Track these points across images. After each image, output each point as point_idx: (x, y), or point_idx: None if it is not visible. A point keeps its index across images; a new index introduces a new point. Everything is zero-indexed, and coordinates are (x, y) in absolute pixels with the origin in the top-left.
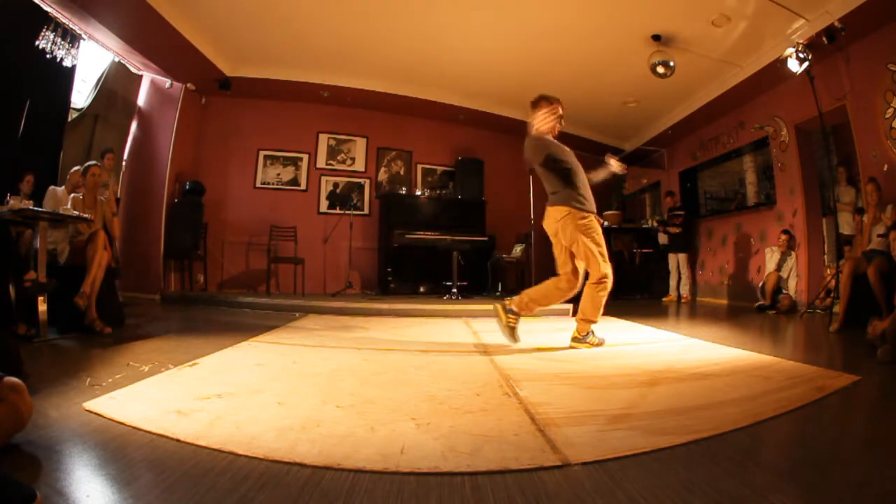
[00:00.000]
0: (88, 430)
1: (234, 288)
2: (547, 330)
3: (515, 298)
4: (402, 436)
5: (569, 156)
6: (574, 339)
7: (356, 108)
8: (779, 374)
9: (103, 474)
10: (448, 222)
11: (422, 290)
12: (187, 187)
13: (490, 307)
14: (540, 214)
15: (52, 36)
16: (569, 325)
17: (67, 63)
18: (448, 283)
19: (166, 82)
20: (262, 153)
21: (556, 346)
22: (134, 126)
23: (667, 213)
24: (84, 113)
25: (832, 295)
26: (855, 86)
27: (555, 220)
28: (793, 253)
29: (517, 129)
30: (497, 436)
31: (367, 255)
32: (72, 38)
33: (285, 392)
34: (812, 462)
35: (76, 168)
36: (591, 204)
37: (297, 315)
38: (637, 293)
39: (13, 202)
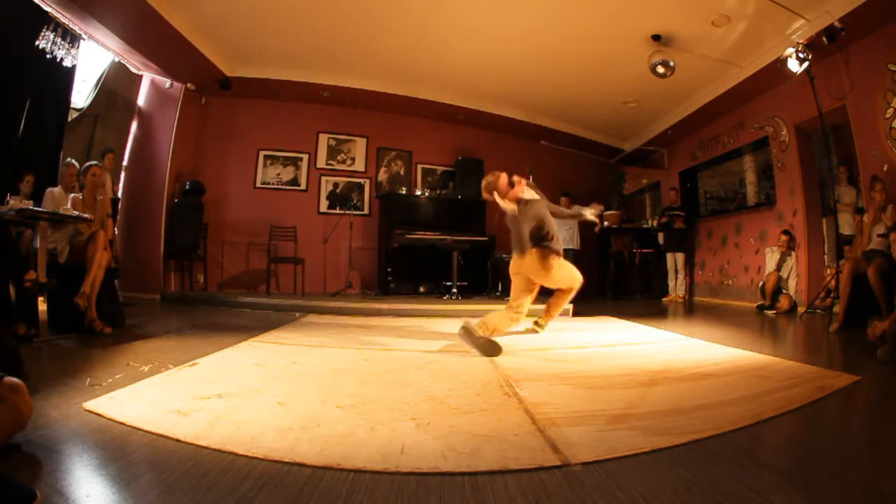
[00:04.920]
0: (88, 430)
1: (234, 288)
2: (547, 330)
3: (479, 322)
4: (402, 436)
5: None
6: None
7: (356, 108)
8: (779, 374)
9: (103, 474)
10: (448, 222)
11: (422, 290)
12: (187, 187)
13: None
14: None
15: (52, 36)
16: (569, 326)
17: (67, 63)
18: (448, 283)
19: (166, 82)
20: (262, 153)
21: (555, 346)
22: (134, 126)
23: (664, 209)
24: (84, 113)
25: (832, 295)
26: (855, 86)
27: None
28: (793, 253)
29: (517, 129)
30: (497, 436)
31: (367, 255)
32: (72, 38)
33: (285, 392)
34: (812, 462)
35: (68, 160)
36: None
37: (297, 315)
38: (637, 293)
39: (13, 202)
